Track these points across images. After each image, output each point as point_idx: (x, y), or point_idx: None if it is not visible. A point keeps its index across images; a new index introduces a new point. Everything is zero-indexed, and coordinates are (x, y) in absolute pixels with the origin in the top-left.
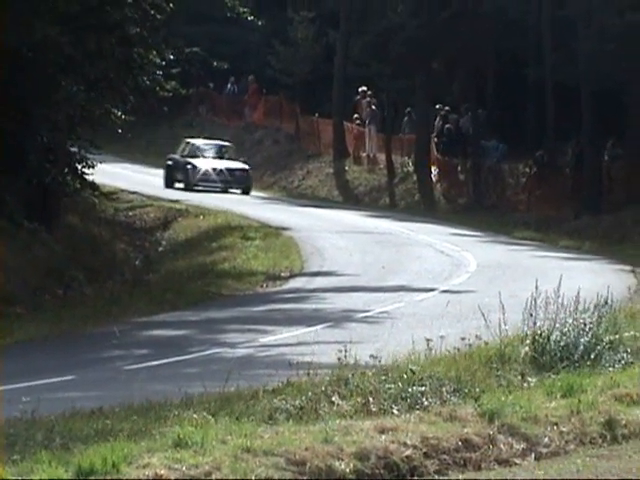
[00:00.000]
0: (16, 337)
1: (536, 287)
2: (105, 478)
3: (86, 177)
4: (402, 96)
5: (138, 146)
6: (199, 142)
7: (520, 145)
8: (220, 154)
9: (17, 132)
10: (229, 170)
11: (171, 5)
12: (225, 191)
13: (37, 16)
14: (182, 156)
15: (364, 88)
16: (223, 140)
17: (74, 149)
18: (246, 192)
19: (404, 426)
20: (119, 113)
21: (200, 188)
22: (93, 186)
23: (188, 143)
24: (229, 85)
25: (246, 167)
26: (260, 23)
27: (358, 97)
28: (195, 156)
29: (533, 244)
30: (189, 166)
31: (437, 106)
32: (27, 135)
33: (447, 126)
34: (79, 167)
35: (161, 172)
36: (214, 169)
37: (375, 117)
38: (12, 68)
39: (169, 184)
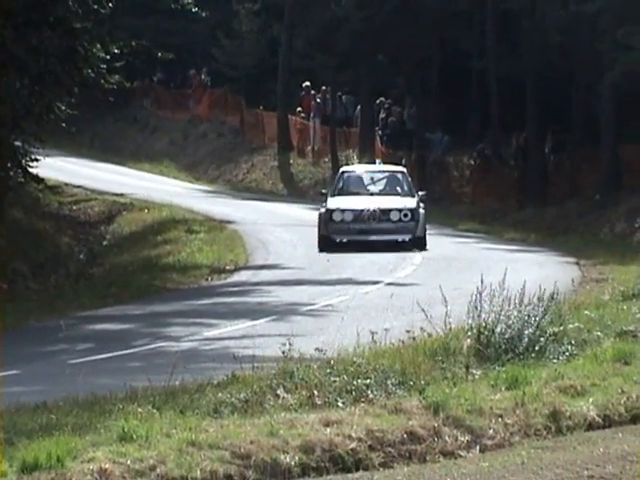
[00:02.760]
0: None
1: (481, 280)
2: (49, 472)
3: (30, 171)
4: (347, 89)
5: (83, 140)
6: (359, 170)
7: (465, 137)
8: (388, 189)
9: None
10: (384, 212)
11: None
12: (381, 248)
13: None
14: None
15: (308, 84)
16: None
17: (18, 143)
18: (419, 246)
19: (349, 419)
20: (63, 107)
21: (342, 241)
22: (37, 179)
23: (343, 174)
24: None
25: (412, 205)
26: (204, 15)
27: (303, 93)
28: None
29: (478, 236)
30: (322, 209)
31: (380, 99)
32: None
33: (391, 119)
34: (23, 161)
35: (105, 166)
36: (360, 211)
37: (319, 110)
38: None
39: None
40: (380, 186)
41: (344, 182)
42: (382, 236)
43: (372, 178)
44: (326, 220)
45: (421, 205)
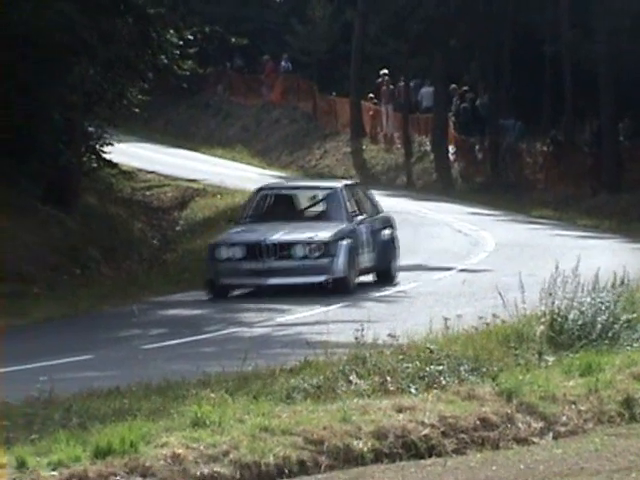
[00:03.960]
0: (34, 317)
1: (556, 267)
2: (123, 457)
3: (104, 156)
4: (420, 75)
5: (156, 126)
6: (283, 187)
7: (538, 123)
8: (316, 213)
9: (30, 114)
10: (285, 246)
11: None
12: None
13: None
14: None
15: (386, 71)
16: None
17: (91, 129)
18: (343, 289)
19: (422, 405)
20: (135, 93)
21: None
22: (111, 164)
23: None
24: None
25: (326, 236)
26: (278, 0)
27: (380, 80)
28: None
29: (551, 223)
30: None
31: (454, 85)
32: (40, 117)
33: (464, 105)
34: (97, 146)
35: (178, 152)
36: (254, 245)
37: (392, 96)
38: (25, 50)
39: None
40: (306, 209)
41: (257, 204)
42: (284, 278)
43: (296, 198)
44: (210, 258)
45: (374, 229)
